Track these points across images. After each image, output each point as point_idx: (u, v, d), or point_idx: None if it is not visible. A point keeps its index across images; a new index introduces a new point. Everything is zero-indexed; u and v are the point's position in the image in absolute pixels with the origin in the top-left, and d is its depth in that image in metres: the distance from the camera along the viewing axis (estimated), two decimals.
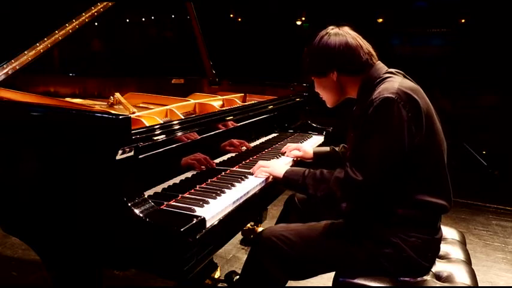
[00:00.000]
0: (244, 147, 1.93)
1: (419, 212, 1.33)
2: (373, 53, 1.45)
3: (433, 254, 1.42)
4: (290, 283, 1.60)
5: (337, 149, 1.90)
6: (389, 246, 1.34)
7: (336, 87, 1.49)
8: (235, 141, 1.87)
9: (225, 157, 1.79)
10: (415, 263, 1.35)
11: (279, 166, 1.58)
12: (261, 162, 1.63)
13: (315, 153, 1.93)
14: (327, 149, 1.94)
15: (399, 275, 1.36)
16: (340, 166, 1.38)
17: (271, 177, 1.58)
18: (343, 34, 1.43)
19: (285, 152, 1.98)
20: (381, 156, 1.26)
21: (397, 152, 1.26)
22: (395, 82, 1.32)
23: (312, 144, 2.26)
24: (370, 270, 1.36)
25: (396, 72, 1.42)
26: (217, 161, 1.72)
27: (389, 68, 1.45)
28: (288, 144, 2.03)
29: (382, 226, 1.36)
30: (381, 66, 1.44)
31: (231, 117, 1.79)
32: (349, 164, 1.31)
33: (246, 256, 1.56)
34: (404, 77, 1.41)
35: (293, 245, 1.41)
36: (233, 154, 1.83)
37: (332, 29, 1.46)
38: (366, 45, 1.44)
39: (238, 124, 1.85)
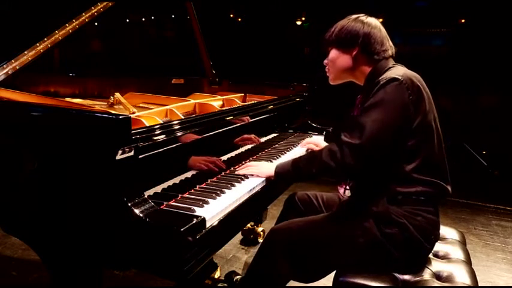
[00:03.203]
0: (254, 144, 2.01)
1: (421, 188, 1.37)
2: (393, 48, 1.53)
3: (435, 236, 1.45)
4: (290, 283, 1.60)
5: None
6: (394, 226, 1.37)
7: (349, 65, 1.53)
8: (245, 136, 1.96)
9: (224, 157, 1.78)
10: (418, 245, 1.38)
11: (269, 166, 1.62)
12: (251, 163, 1.70)
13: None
14: None
15: (400, 257, 1.38)
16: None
17: (270, 176, 1.60)
18: (376, 21, 1.53)
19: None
20: (378, 125, 1.31)
21: (394, 126, 1.32)
22: (400, 70, 1.41)
23: None
24: (371, 254, 1.39)
25: (400, 65, 1.50)
26: None
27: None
28: (307, 139, 2.22)
29: (388, 205, 1.38)
30: (391, 60, 1.52)
31: (231, 117, 1.79)
32: (344, 133, 1.37)
33: (254, 254, 1.57)
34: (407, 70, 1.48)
35: (299, 236, 1.46)
36: (233, 154, 1.83)
37: (365, 16, 1.54)
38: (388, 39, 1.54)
39: (238, 124, 1.85)
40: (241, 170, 1.64)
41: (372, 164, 1.36)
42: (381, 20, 1.54)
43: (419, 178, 1.37)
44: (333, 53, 1.56)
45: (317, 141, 2.12)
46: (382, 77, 1.38)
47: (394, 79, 1.33)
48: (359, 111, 1.48)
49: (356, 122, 1.36)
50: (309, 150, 2.09)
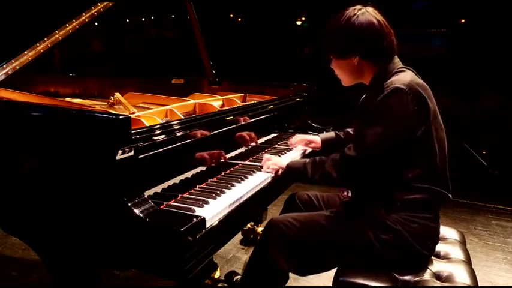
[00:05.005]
0: (253, 143, 2.01)
1: (421, 195, 1.36)
2: (394, 41, 1.44)
3: (433, 243, 1.44)
4: (290, 283, 1.60)
5: (341, 134, 2.00)
6: (390, 233, 1.36)
7: (354, 70, 1.48)
8: (244, 134, 1.94)
9: None
10: (413, 251, 1.37)
11: (282, 159, 1.69)
12: (266, 156, 1.72)
13: (322, 140, 2.04)
14: (332, 134, 2.05)
15: (397, 264, 1.37)
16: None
17: (279, 171, 1.65)
18: (370, 16, 1.40)
19: (292, 145, 2.08)
20: (378, 138, 1.31)
21: (395, 139, 1.32)
22: (407, 77, 1.37)
23: None
24: (368, 259, 1.38)
25: (409, 69, 1.46)
26: None
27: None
28: (296, 135, 2.11)
29: (386, 210, 1.38)
30: (397, 61, 1.46)
31: (231, 117, 1.79)
32: (349, 144, 1.37)
33: (252, 250, 1.57)
34: (416, 75, 1.45)
35: (296, 229, 1.46)
36: (233, 154, 1.83)
37: (359, 10, 1.41)
38: (390, 32, 1.43)
39: (238, 124, 1.85)
40: (263, 170, 1.68)
41: (370, 175, 1.37)
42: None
43: (419, 186, 1.35)
44: (335, 61, 1.51)
45: (309, 138, 2.08)
46: (387, 83, 1.34)
47: (397, 89, 1.30)
48: (364, 110, 1.46)
49: (359, 134, 1.36)
50: (304, 149, 2.09)
